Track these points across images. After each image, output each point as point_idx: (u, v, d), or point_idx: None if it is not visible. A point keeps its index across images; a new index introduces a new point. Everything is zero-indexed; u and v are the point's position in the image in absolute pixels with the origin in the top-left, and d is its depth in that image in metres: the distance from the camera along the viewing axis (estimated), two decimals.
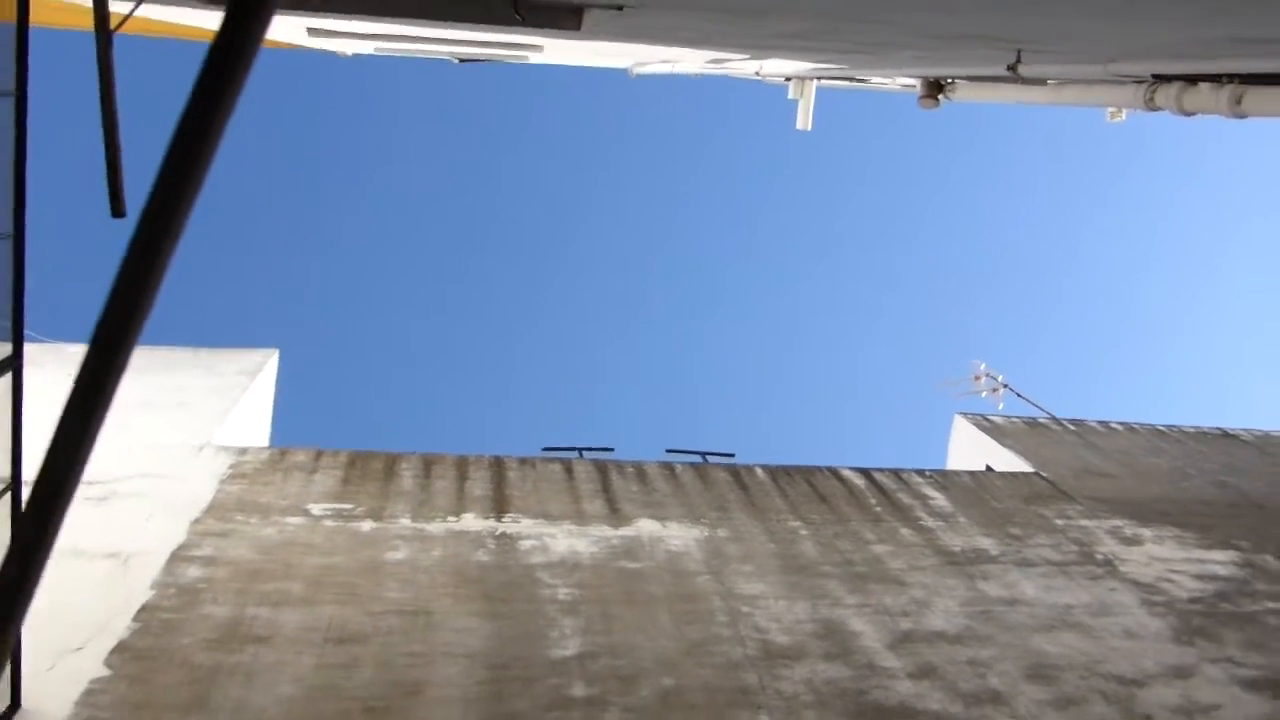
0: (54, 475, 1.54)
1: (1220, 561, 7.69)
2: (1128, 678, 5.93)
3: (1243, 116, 6.85)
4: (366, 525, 7.15)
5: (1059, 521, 8.24)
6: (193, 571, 6.28)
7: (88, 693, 5.03)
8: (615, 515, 7.66)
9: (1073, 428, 10.99)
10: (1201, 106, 7.13)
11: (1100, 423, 11.17)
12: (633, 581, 6.66)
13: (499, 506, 7.65)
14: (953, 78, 11.81)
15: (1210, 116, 7.28)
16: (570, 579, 6.62)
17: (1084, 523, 8.25)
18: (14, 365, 4.10)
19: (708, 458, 9.26)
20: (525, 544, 7.08)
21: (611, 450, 9.28)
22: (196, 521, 6.94)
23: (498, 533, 7.21)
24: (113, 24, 3.64)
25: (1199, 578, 7.36)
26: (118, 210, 3.35)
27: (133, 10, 3.78)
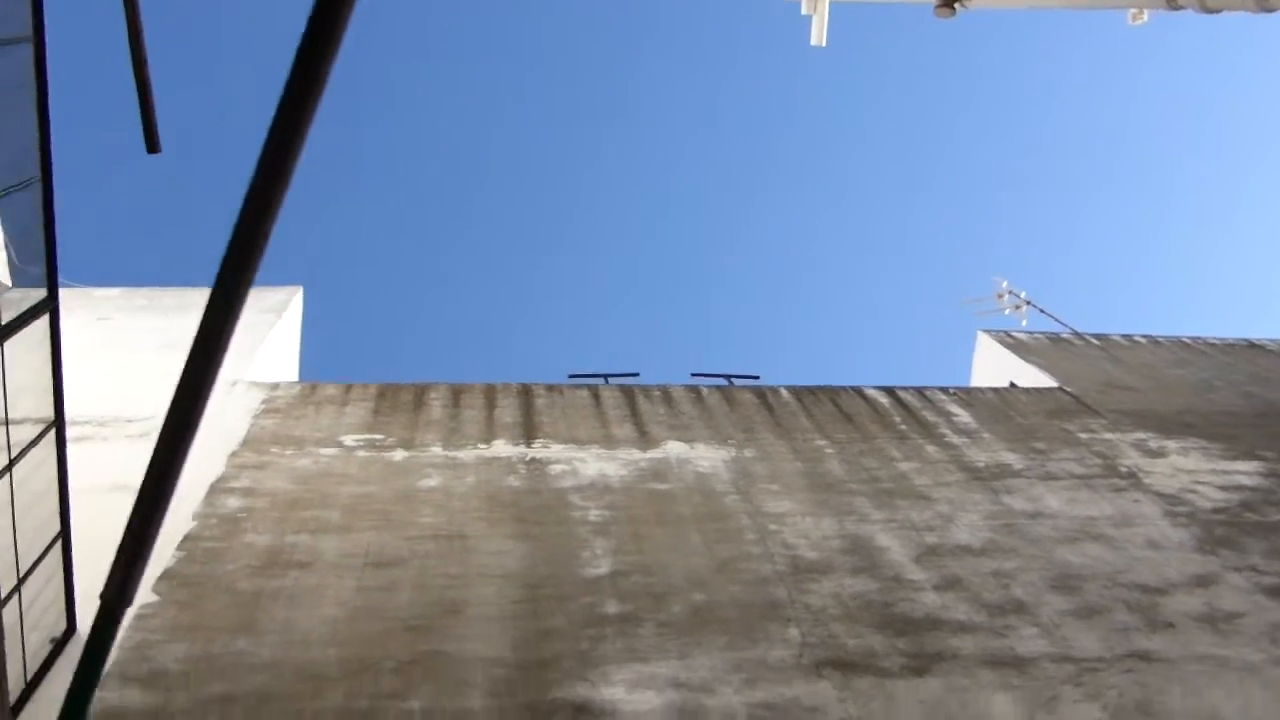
0: (184, 405, 1.69)
1: (1245, 472, 7.73)
2: (1151, 587, 6.03)
3: (1271, 10, 6.71)
4: (399, 454, 7.29)
5: (1083, 435, 8.29)
6: (232, 502, 6.45)
7: (139, 617, 5.22)
8: (643, 438, 7.78)
9: (1096, 342, 10.98)
10: (1226, 2, 6.98)
11: (1124, 336, 11.15)
12: (662, 502, 6.78)
13: (528, 433, 7.77)
14: None
15: (1236, 13, 7.12)
16: (601, 501, 6.75)
17: (1108, 436, 8.30)
18: (50, 308, 4.20)
19: (733, 380, 9.34)
20: (555, 468, 7.21)
21: (637, 375, 9.38)
22: (233, 455, 7.10)
23: (528, 458, 7.35)
24: None
25: (1223, 488, 7.41)
26: (152, 146, 3.40)
27: None
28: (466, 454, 7.36)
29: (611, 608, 5.55)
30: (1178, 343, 11.09)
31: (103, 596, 1.86)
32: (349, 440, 7.48)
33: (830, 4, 13.79)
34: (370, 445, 7.41)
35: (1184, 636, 5.53)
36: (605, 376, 9.33)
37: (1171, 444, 8.19)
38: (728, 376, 9.44)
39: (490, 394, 8.47)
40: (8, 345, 4.04)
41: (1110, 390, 9.45)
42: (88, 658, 1.95)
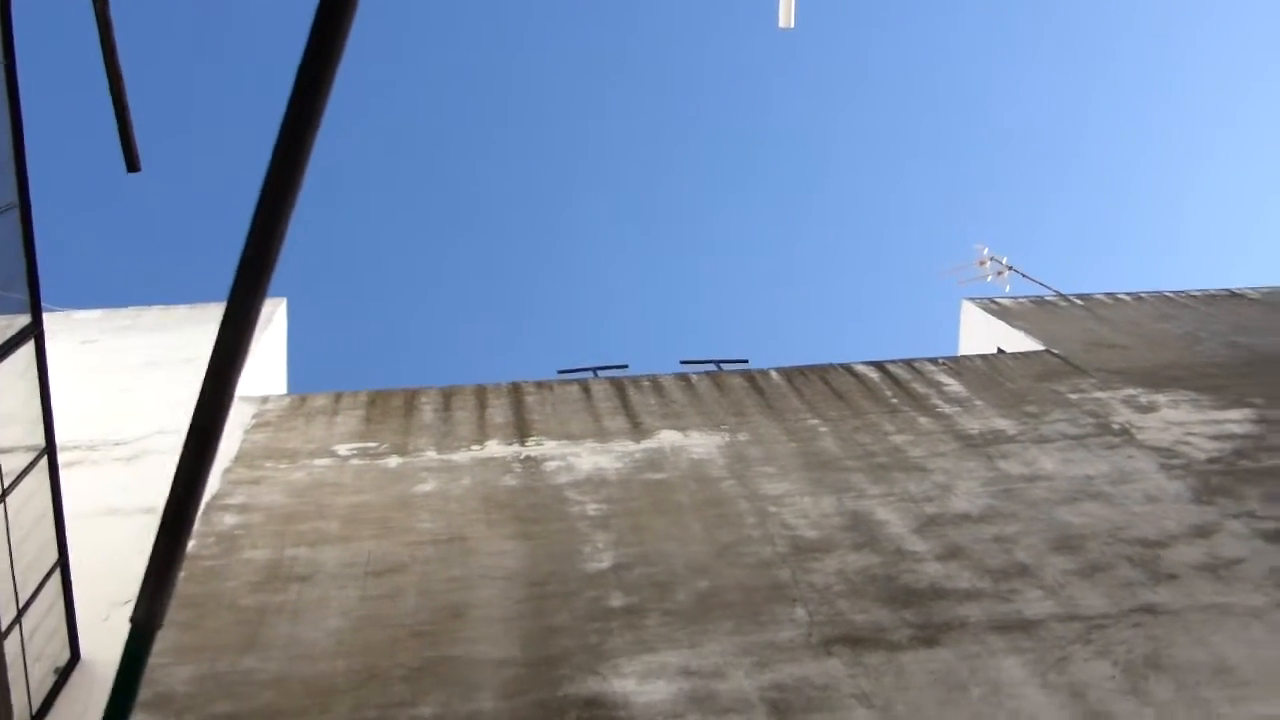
0: (208, 412, 1.70)
1: (1236, 420, 7.77)
2: (1151, 540, 6.05)
3: None
4: (393, 461, 7.26)
5: (1073, 396, 8.31)
6: (229, 519, 6.41)
7: None
8: (636, 429, 7.76)
9: (1080, 303, 11.02)
10: None
11: (1108, 295, 11.20)
12: (660, 492, 6.78)
13: (521, 431, 7.75)
14: None
15: None
16: (598, 495, 6.74)
17: (1098, 395, 8.33)
18: (35, 333, 4.16)
19: (722, 365, 9.33)
20: (551, 465, 7.19)
21: (626, 367, 9.36)
22: (227, 471, 7.06)
23: (522, 456, 7.32)
24: None
25: (1216, 438, 7.45)
26: (132, 165, 3.36)
27: None
28: (461, 456, 7.33)
29: (616, 600, 5.54)
30: (1160, 297, 11.15)
31: (133, 619, 1.87)
32: (342, 450, 7.44)
33: None
34: (364, 454, 7.38)
35: (1188, 587, 5.56)
36: (594, 370, 9.32)
37: (1161, 398, 8.23)
38: (716, 362, 9.44)
39: (481, 395, 8.44)
40: None
41: (1097, 349, 9.49)
42: (122, 682, 1.95)
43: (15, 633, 4.40)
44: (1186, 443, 7.37)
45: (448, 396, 8.39)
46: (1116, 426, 7.69)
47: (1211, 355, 9.29)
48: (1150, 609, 5.37)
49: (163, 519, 1.82)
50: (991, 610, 5.39)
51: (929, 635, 5.19)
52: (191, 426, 1.74)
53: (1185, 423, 7.73)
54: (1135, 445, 7.35)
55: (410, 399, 8.33)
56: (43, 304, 4.53)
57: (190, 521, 1.81)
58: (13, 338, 4.21)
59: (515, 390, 8.54)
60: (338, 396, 8.38)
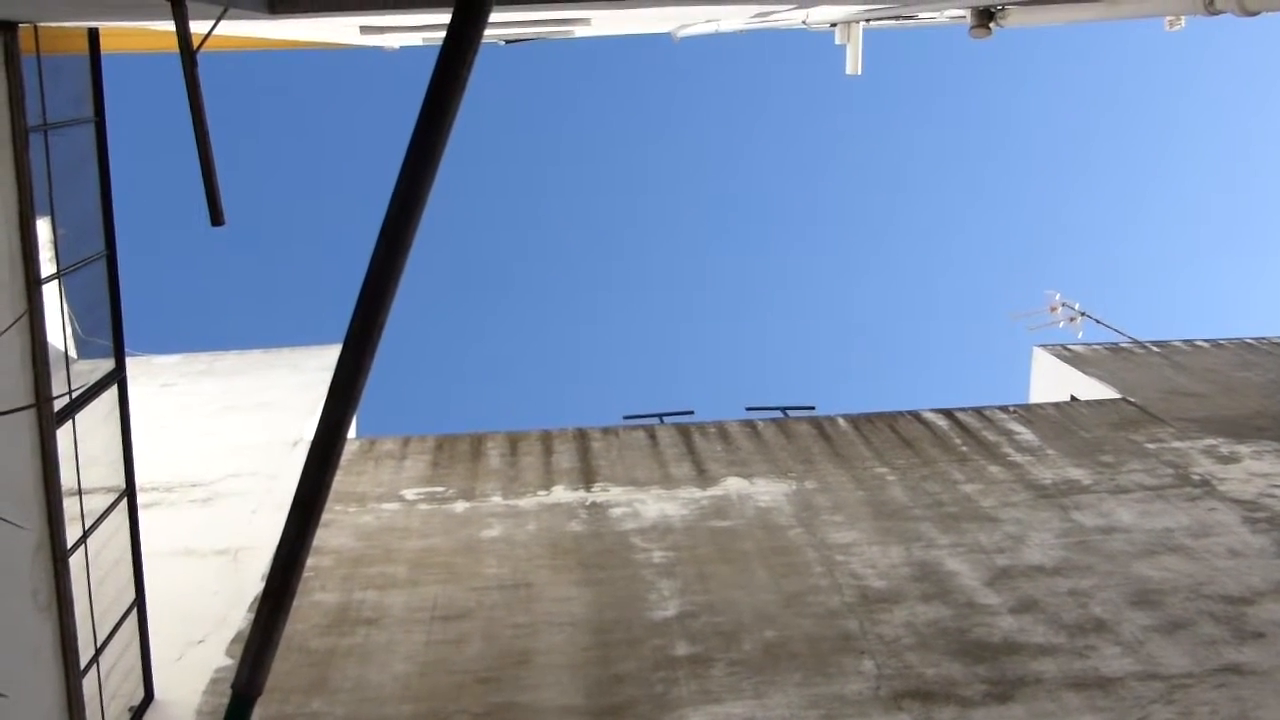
0: (312, 485, 1.75)
1: None
2: (1235, 596, 5.84)
3: None
4: (460, 506, 7.31)
5: (1151, 445, 8.10)
6: None
7: (214, 681, 5.27)
8: (702, 476, 7.73)
9: (1157, 349, 10.77)
10: (1266, 4, 6.85)
11: (1185, 342, 10.93)
12: (726, 539, 6.73)
13: (587, 477, 7.77)
14: (1003, 3, 11.52)
15: (1276, 13, 7.00)
16: (664, 542, 6.71)
17: (1177, 444, 8.11)
18: (118, 379, 4.28)
19: (788, 412, 9.27)
20: (616, 511, 7.18)
21: (692, 413, 9.34)
22: None
23: (588, 502, 7.33)
24: (194, 44, 3.76)
25: None
26: (217, 219, 3.49)
27: (212, 28, 3.91)
28: (527, 502, 7.36)
29: (682, 649, 5.50)
30: (1241, 344, 10.84)
31: (234, 686, 1.90)
32: (410, 494, 7.52)
33: (864, 33, 13.79)
34: (431, 498, 7.44)
35: (1276, 645, 5.35)
36: (660, 416, 9.31)
37: (1244, 448, 7.98)
38: (783, 409, 9.38)
39: (547, 440, 8.49)
40: (78, 417, 4.12)
41: (1175, 397, 9.25)
42: None
43: (92, 671, 4.49)
44: (1271, 495, 7.13)
45: (514, 442, 8.45)
46: (1197, 478, 7.47)
47: None
48: (1236, 668, 5.17)
49: (265, 588, 1.85)
50: (1067, 666, 5.23)
51: (1002, 691, 5.06)
52: (295, 500, 1.79)
53: (1270, 474, 7.48)
54: (1217, 497, 7.13)
55: (477, 444, 8.40)
56: (130, 350, 4.67)
57: (293, 591, 1.84)
58: (97, 383, 4.35)
59: (581, 436, 8.57)
60: (406, 440, 8.49)
